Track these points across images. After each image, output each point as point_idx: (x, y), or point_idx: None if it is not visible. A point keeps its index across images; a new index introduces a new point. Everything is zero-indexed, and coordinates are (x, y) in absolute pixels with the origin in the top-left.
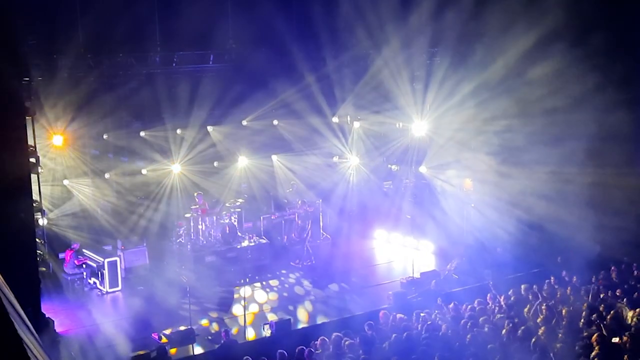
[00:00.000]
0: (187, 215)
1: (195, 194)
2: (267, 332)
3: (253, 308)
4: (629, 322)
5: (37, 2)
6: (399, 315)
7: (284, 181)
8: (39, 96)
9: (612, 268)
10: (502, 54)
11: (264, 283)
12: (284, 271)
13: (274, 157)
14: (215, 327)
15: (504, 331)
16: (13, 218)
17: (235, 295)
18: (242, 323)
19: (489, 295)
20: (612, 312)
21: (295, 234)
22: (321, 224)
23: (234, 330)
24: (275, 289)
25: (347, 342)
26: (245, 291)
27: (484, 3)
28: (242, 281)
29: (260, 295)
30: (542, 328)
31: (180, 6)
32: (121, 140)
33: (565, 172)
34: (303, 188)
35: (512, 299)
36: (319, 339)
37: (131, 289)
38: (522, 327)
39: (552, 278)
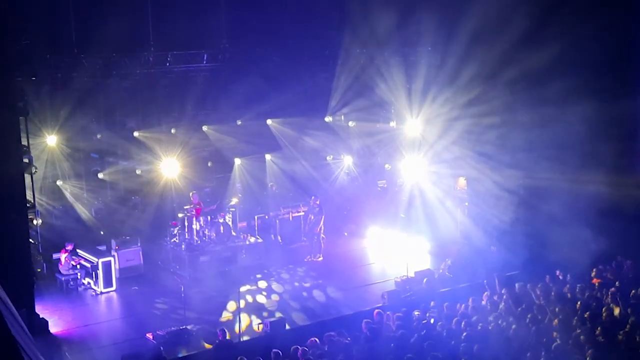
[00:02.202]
0: (181, 215)
1: (191, 194)
2: (259, 328)
3: (250, 308)
4: (622, 320)
5: (30, 2)
6: (393, 314)
7: (278, 180)
8: (32, 96)
9: (604, 266)
10: (496, 54)
11: (258, 284)
12: (280, 270)
13: (268, 157)
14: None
15: (490, 326)
16: (6, 219)
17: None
18: (237, 322)
19: (484, 294)
20: (604, 309)
21: (307, 228)
22: None
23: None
24: (271, 288)
25: (341, 342)
26: (241, 290)
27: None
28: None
29: (256, 295)
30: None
31: (174, 6)
32: (115, 140)
33: (560, 171)
34: (292, 187)
35: (505, 297)
36: (313, 339)
37: (125, 289)
38: (514, 327)
39: (547, 277)
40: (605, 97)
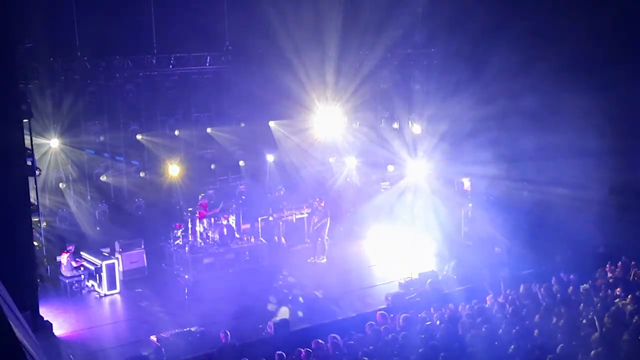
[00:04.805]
0: (185, 216)
1: (200, 197)
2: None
3: (253, 310)
4: (627, 321)
5: (33, 5)
6: (397, 316)
7: (281, 182)
8: (35, 99)
9: (610, 267)
10: (499, 54)
11: (262, 286)
12: (283, 272)
13: (270, 158)
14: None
15: (498, 329)
16: (10, 221)
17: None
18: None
19: (489, 295)
20: (612, 309)
21: (311, 230)
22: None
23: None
24: (274, 290)
25: (344, 343)
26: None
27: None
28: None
29: (259, 298)
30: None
31: (177, 8)
32: (118, 143)
33: (564, 171)
34: (295, 189)
35: (509, 298)
36: (316, 341)
37: (129, 291)
38: (517, 328)
39: (553, 278)
40: (607, 98)
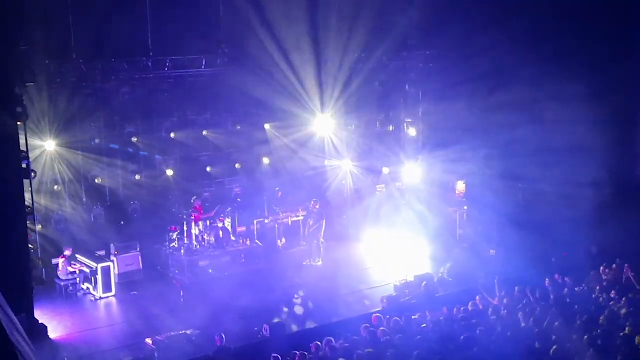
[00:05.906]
0: (181, 219)
1: (193, 199)
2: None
3: (250, 313)
4: (621, 323)
5: (29, 8)
6: (392, 319)
7: (277, 184)
8: (31, 101)
9: (604, 269)
10: (494, 56)
11: (260, 289)
12: (279, 274)
13: (266, 161)
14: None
15: (493, 330)
16: (5, 224)
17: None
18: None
19: (482, 297)
20: (606, 312)
21: (307, 233)
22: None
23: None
24: (270, 292)
25: (340, 346)
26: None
27: (475, 3)
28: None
29: (257, 300)
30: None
31: (173, 11)
32: (114, 145)
33: (561, 173)
34: (291, 192)
35: (504, 301)
36: (312, 344)
37: (125, 294)
38: (512, 330)
39: (547, 280)
40: (602, 99)
